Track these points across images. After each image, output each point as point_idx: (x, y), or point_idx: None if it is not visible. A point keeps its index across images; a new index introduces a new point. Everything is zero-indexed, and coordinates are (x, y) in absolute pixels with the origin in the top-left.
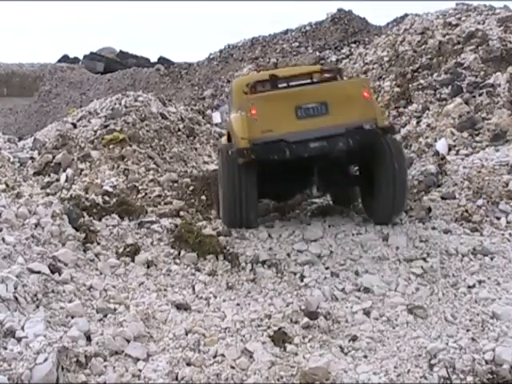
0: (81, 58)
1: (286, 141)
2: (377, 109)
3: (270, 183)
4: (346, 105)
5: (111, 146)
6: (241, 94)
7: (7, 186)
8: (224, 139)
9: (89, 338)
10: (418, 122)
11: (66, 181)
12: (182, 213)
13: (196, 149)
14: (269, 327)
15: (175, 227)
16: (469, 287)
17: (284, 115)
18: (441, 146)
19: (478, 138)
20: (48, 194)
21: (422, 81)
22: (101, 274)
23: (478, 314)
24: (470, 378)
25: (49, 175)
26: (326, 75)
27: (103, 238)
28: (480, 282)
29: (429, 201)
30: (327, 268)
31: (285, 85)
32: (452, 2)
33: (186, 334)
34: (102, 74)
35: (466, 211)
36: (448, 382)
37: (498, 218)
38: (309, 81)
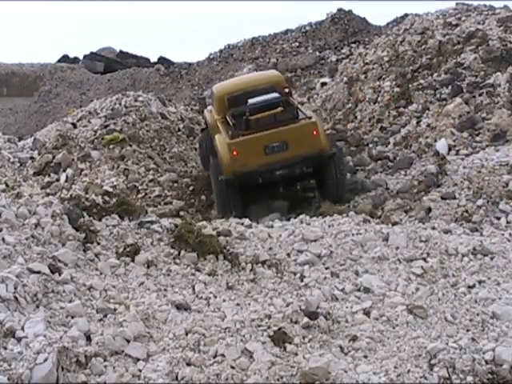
0: (81, 58)
1: (258, 171)
2: (323, 142)
3: (252, 192)
4: (300, 141)
5: (111, 146)
6: (222, 104)
7: (7, 185)
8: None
9: (89, 338)
10: (418, 122)
11: (66, 181)
12: (181, 213)
13: (196, 149)
14: (269, 327)
15: (175, 227)
16: (469, 287)
17: (256, 153)
18: (441, 145)
19: (478, 138)
20: (48, 194)
21: (421, 81)
22: (101, 273)
23: (478, 314)
24: (470, 378)
25: (49, 175)
26: (286, 115)
27: (103, 237)
28: (480, 282)
29: (429, 201)
30: (327, 268)
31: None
32: (452, 2)
33: (186, 334)
34: (102, 74)
35: (466, 211)
36: (448, 382)
37: (498, 218)
38: (274, 119)
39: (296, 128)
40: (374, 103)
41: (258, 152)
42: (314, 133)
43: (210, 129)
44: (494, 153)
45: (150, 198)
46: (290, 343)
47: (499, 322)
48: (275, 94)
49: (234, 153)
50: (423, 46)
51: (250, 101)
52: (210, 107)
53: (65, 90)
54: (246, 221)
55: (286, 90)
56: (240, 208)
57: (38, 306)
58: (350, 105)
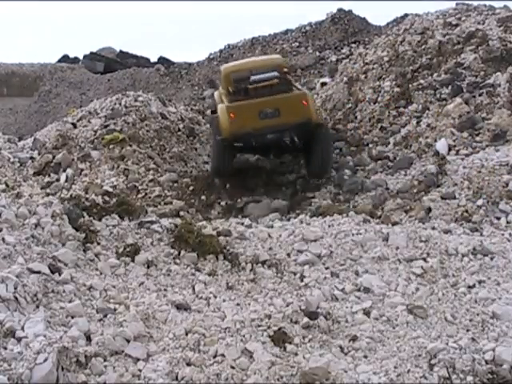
0: (81, 58)
1: (252, 134)
2: (312, 112)
3: (247, 151)
4: (291, 109)
5: (111, 146)
6: (227, 80)
7: (7, 185)
8: (208, 112)
9: (89, 338)
10: (418, 122)
11: (66, 181)
12: (181, 213)
13: (196, 149)
14: (269, 327)
15: (175, 227)
16: (469, 287)
17: (251, 117)
18: (441, 145)
19: (478, 138)
20: (48, 194)
21: (421, 81)
22: (101, 273)
23: (478, 314)
24: (470, 378)
25: (49, 175)
26: (280, 87)
27: (103, 237)
28: (480, 282)
29: (429, 201)
30: (327, 268)
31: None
32: (452, 2)
33: (186, 334)
34: (102, 74)
35: (466, 211)
36: (448, 382)
37: (498, 218)
38: (269, 89)
39: (287, 97)
40: (374, 103)
41: (253, 116)
42: (304, 102)
43: (217, 104)
44: (494, 153)
45: (150, 197)
46: (290, 343)
47: (499, 322)
48: (275, 73)
49: (232, 115)
50: (423, 46)
51: (252, 77)
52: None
53: (65, 90)
54: (246, 221)
55: (285, 70)
56: (231, 168)
57: (38, 306)
58: (350, 105)
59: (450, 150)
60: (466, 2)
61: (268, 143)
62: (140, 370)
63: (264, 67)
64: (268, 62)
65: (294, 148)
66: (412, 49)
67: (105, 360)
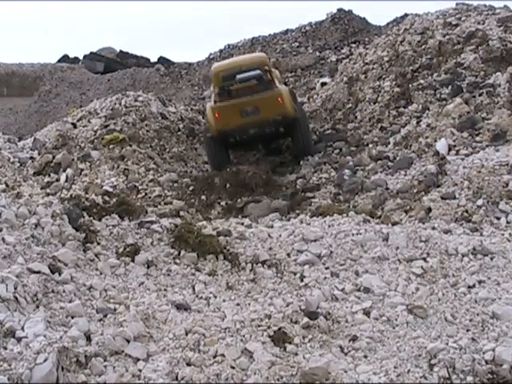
0: (81, 58)
1: (235, 130)
2: (287, 107)
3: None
4: (268, 107)
5: (111, 146)
6: (217, 79)
7: (7, 185)
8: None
9: (89, 338)
10: (418, 122)
11: (66, 181)
12: (181, 213)
13: (196, 149)
14: (269, 327)
15: (175, 227)
16: (469, 287)
17: (234, 115)
18: (441, 145)
19: (478, 138)
20: (48, 194)
21: (421, 81)
22: (101, 274)
23: (478, 314)
24: (469, 378)
25: (49, 175)
26: (261, 86)
27: (103, 237)
28: (480, 282)
29: (429, 201)
30: (327, 268)
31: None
32: (452, 2)
33: (186, 334)
34: (102, 74)
35: (466, 211)
36: (448, 382)
37: (498, 218)
38: (250, 90)
39: (265, 96)
40: (374, 103)
41: (236, 115)
42: (279, 100)
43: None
44: (493, 153)
45: (150, 198)
46: (290, 343)
47: (499, 322)
48: (258, 71)
49: (217, 115)
50: (423, 46)
51: (238, 76)
52: None
53: (65, 90)
54: (246, 221)
55: (266, 68)
56: (226, 159)
57: (38, 306)
58: (350, 105)
59: (449, 150)
60: (466, 2)
61: (252, 137)
62: (140, 370)
63: (249, 65)
64: (252, 61)
65: (278, 136)
66: (412, 49)
67: (105, 360)
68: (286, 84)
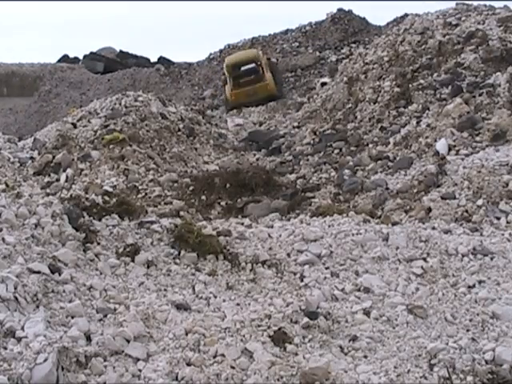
0: (81, 58)
1: (242, 103)
2: (272, 90)
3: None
4: (262, 92)
5: (111, 146)
6: (230, 69)
7: (7, 185)
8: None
9: (89, 338)
10: (418, 122)
11: (66, 181)
12: (181, 213)
13: (196, 149)
14: (269, 327)
15: (175, 227)
16: (469, 287)
17: (242, 97)
18: (441, 145)
19: (478, 138)
20: (48, 194)
21: (421, 81)
22: (101, 273)
23: (478, 314)
24: (469, 378)
25: (49, 175)
26: (257, 77)
27: (103, 237)
28: (480, 282)
29: (429, 201)
30: (327, 268)
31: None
32: (452, 2)
33: (186, 334)
34: (102, 74)
35: (466, 211)
36: (448, 382)
37: (498, 218)
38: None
39: (260, 85)
40: (374, 103)
41: (243, 96)
42: (268, 88)
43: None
44: (493, 153)
45: (150, 197)
46: (290, 343)
47: (499, 322)
48: (253, 65)
49: (233, 98)
50: (423, 46)
51: (242, 68)
52: None
53: (65, 90)
54: (246, 221)
55: (258, 63)
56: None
57: (38, 306)
58: (350, 105)
59: (450, 149)
60: (466, 2)
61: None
62: (140, 370)
63: (247, 60)
64: (249, 56)
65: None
66: (412, 49)
67: (105, 360)
68: (270, 62)
